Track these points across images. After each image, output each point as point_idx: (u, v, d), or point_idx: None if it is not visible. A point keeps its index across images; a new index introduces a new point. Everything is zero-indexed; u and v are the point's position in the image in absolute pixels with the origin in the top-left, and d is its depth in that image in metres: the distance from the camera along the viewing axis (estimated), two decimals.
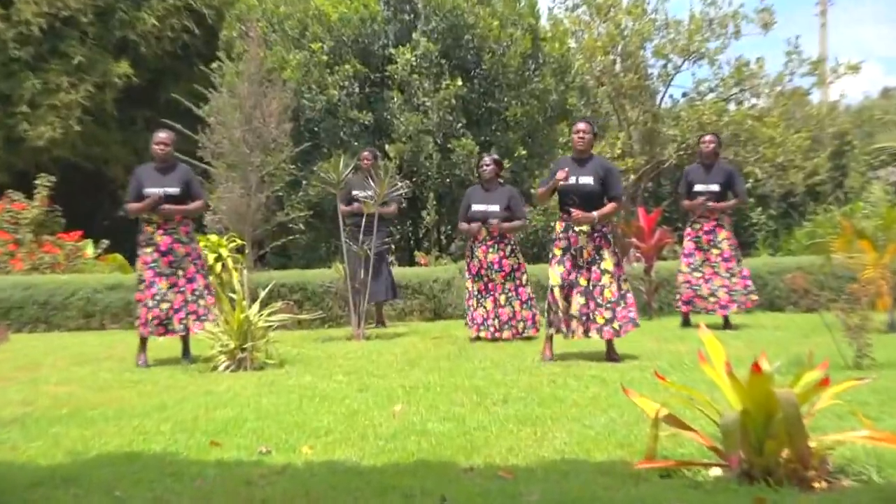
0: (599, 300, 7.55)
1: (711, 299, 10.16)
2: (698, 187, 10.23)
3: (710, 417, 4.13)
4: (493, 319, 9.58)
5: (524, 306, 9.62)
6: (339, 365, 7.70)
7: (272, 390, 6.41)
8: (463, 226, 9.85)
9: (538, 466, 4.17)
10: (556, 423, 5.06)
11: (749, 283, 10.24)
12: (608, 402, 5.57)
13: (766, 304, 12.29)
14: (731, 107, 22.09)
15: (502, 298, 9.58)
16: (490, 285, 9.61)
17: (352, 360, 7.99)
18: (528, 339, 9.46)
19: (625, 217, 21.81)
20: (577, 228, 7.64)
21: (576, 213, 7.60)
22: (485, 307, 9.63)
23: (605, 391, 6.01)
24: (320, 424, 5.15)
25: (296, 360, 8.05)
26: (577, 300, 7.61)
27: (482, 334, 9.56)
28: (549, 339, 7.79)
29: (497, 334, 9.53)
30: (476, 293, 9.69)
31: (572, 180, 7.68)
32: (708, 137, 10.42)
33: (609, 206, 7.71)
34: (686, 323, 10.39)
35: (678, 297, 10.46)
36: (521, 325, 9.57)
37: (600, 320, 7.54)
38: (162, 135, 8.39)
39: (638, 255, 12.56)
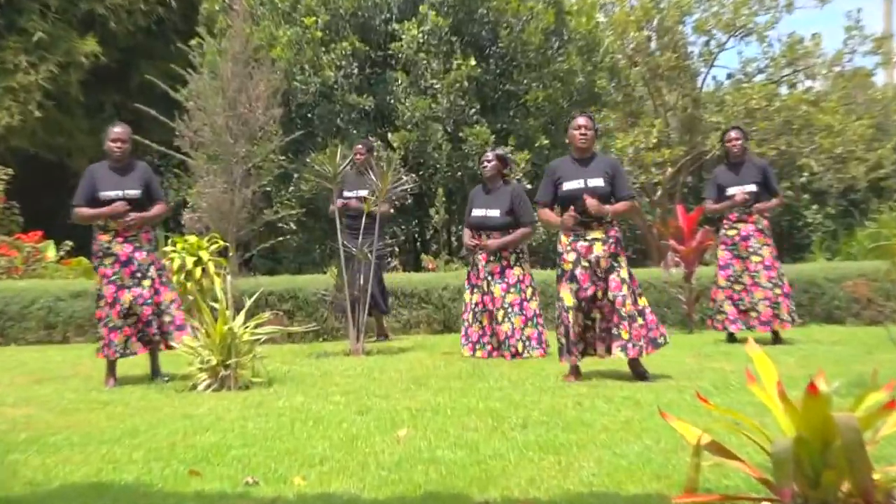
0: (623, 312, 7.53)
1: (752, 314, 10.14)
2: (732, 191, 10.23)
3: (760, 445, 4.11)
4: (490, 337, 9.52)
5: (528, 323, 9.43)
6: (336, 384, 7.70)
7: (259, 413, 6.42)
8: (465, 234, 9.92)
9: (562, 500, 4.17)
10: (583, 450, 5.05)
11: (790, 302, 10.20)
12: (642, 427, 5.57)
13: (823, 316, 12.27)
14: (783, 90, 22.06)
15: (500, 314, 9.43)
16: (487, 298, 9.54)
17: (350, 379, 8.00)
18: (526, 359, 9.37)
19: (661, 216, 21.81)
20: (589, 236, 7.64)
21: (591, 201, 7.56)
22: (481, 323, 9.59)
23: (638, 415, 6.00)
24: (314, 451, 5.15)
25: (286, 379, 8.06)
26: (598, 315, 7.65)
27: (478, 354, 9.52)
28: (574, 368, 7.74)
29: (494, 354, 9.46)
30: (473, 306, 9.66)
31: (579, 184, 7.68)
32: (733, 134, 10.41)
33: (623, 204, 7.75)
34: (732, 338, 10.37)
35: (719, 316, 10.40)
36: (520, 344, 9.35)
37: (625, 335, 7.51)
38: (118, 129, 8.33)
39: (676, 259, 12.51)
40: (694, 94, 22.56)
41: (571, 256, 7.64)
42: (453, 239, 18.52)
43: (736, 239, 10.26)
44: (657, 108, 22.76)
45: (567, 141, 8.03)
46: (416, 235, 19.00)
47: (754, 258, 10.17)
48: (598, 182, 7.67)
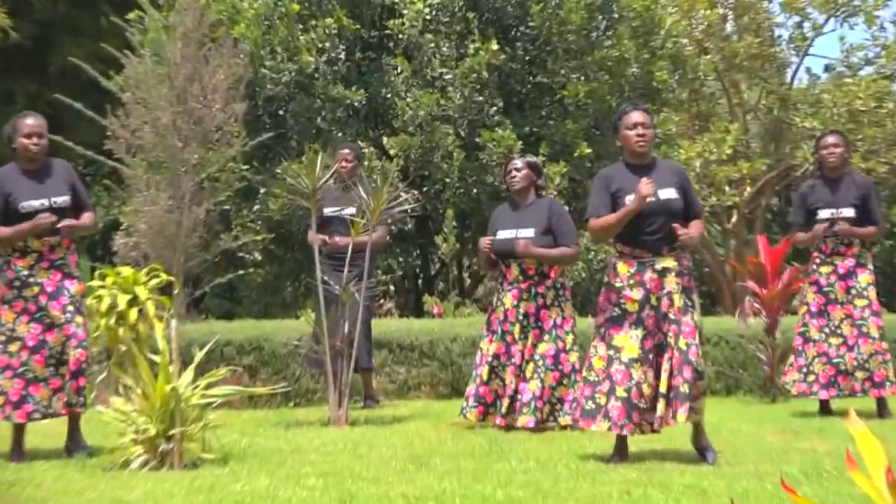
0: (696, 364, 7.42)
1: (860, 374, 10.05)
2: (824, 213, 10.15)
3: None
4: (512, 400, 9.46)
5: (564, 381, 9.41)
6: (311, 462, 7.71)
7: (211, 499, 6.43)
8: (481, 254, 9.91)
9: None
10: None
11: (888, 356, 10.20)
12: None
13: None
14: None
15: (529, 369, 9.42)
16: (515, 349, 9.51)
17: (330, 456, 8.00)
18: (552, 429, 9.38)
19: (736, 249, 21.84)
20: (659, 265, 7.57)
21: (683, 233, 7.38)
22: (502, 379, 9.54)
23: None
24: None
25: (246, 455, 8.07)
26: (666, 369, 7.41)
27: (490, 420, 9.51)
28: (622, 441, 7.67)
29: (511, 420, 9.42)
30: (491, 358, 9.58)
31: (651, 195, 7.58)
32: (830, 140, 10.34)
33: (699, 223, 7.70)
34: (826, 409, 10.36)
35: (803, 374, 10.34)
36: (546, 408, 9.35)
37: (693, 393, 7.45)
38: (32, 121, 8.30)
39: (756, 305, 12.48)
40: (781, 92, 22.67)
41: (638, 294, 7.48)
42: (465, 275, 18.55)
43: (832, 278, 10.20)
44: (733, 108, 22.88)
45: (619, 145, 7.94)
46: (418, 270, 19.07)
47: (858, 302, 10.09)
48: (670, 194, 7.53)
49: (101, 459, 7.87)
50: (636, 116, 7.64)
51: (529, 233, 9.50)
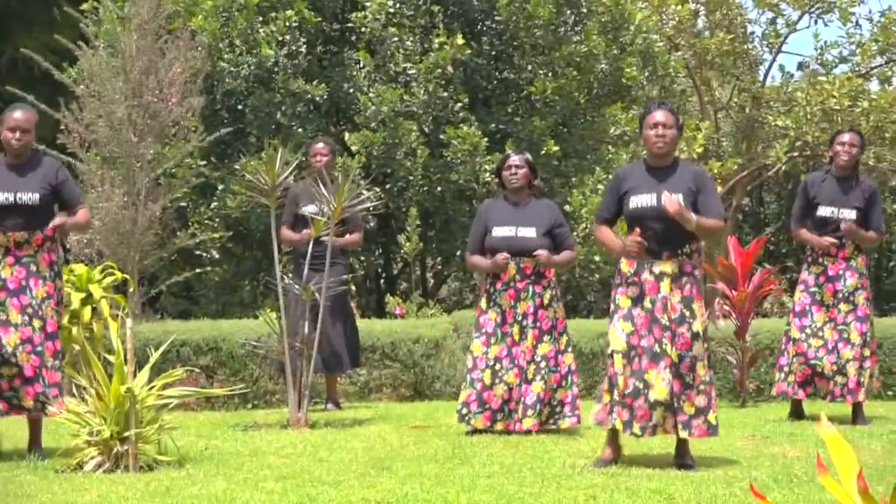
0: (689, 378, 7.48)
1: (839, 379, 10.08)
2: (825, 211, 10.17)
3: None
4: (517, 403, 9.42)
5: (563, 382, 9.49)
6: (270, 465, 7.74)
7: (167, 502, 6.44)
8: (476, 259, 9.77)
9: None
10: None
11: (876, 368, 10.25)
12: None
13: None
14: (873, 86, 22.25)
15: (531, 370, 9.42)
16: (516, 350, 9.51)
17: (289, 459, 8.03)
18: (557, 432, 9.46)
19: (705, 251, 21.92)
20: (657, 269, 7.56)
21: (670, 201, 7.38)
22: (506, 383, 9.48)
23: None
24: None
25: (203, 458, 8.09)
26: (664, 378, 7.44)
27: (498, 426, 9.45)
28: (613, 436, 7.74)
29: (518, 425, 9.41)
30: (493, 362, 9.49)
31: (651, 199, 7.56)
32: (847, 137, 10.32)
33: (713, 221, 7.65)
34: (797, 413, 10.42)
35: (783, 374, 10.43)
36: (546, 411, 9.44)
37: (689, 409, 7.47)
38: (18, 115, 8.29)
39: (726, 308, 12.52)
40: (754, 90, 22.74)
41: (633, 291, 7.59)
42: (429, 276, 18.57)
43: (820, 280, 10.22)
44: (704, 106, 22.93)
45: (641, 143, 7.97)
46: (380, 270, 19.08)
47: (843, 307, 10.12)
48: (678, 198, 7.50)
49: (54, 462, 7.86)
50: (658, 116, 7.66)
51: (530, 232, 9.48)
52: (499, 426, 9.42)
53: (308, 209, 10.77)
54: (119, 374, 7.69)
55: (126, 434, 7.63)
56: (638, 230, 7.54)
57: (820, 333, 10.16)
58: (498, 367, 9.47)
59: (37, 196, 8.20)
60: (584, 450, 8.34)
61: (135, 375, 7.85)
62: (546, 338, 9.46)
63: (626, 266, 7.66)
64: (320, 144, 11.41)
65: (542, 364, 9.41)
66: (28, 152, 8.34)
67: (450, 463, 7.82)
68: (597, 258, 16.10)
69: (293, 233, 10.66)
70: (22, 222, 8.13)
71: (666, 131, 7.62)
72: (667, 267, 7.53)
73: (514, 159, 9.80)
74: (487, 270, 9.57)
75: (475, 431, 9.43)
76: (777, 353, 10.86)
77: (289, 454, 8.28)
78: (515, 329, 9.47)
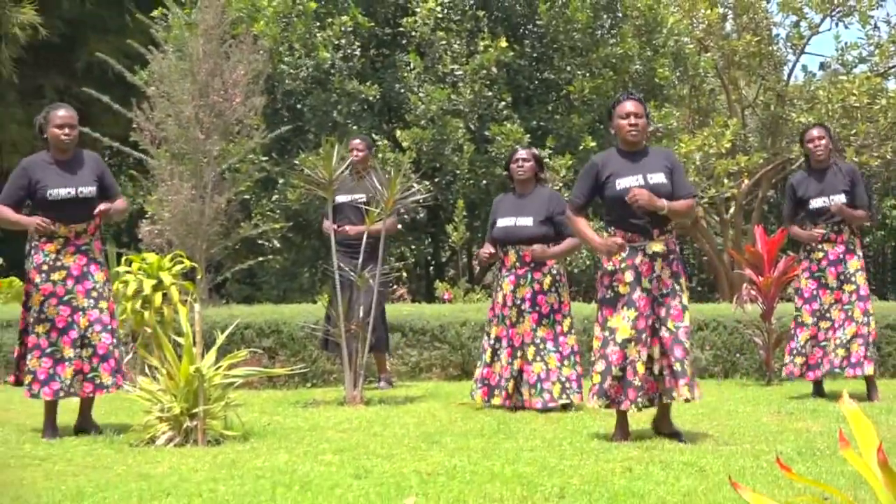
0: (687, 345, 7.48)
1: (840, 352, 10.03)
2: (817, 202, 10.15)
3: None
4: (507, 381, 9.49)
5: (565, 362, 9.47)
6: (328, 439, 7.75)
7: (233, 474, 6.45)
8: (484, 250, 9.94)
9: None
10: None
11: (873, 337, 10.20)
12: (707, 501, 5.59)
13: None
14: (891, 84, 22.09)
15: (530, 352, 9.45)
16: (513, 332, 9.56)
17: (346, 434, 8.04)
18: (565, 407, 9.44)
19: (735, 238, 21.83)
20: (650, 249, 7.55)
21: (639, 193, 7.35)
22: (501, 361, 9.58)
23: (703, 485, 6.02)
24: None
25: (266, 433, 8.10)
26: (659, 352, 7.53)
27: (494, 401, 9.55)
28: (623, 418, 7.73)
29: (517, 401, 9.48)
30: (493, 342, 9.68)
31: (637, 181, 7.55)
32: (815, 133, 10.33)
33: (684, 202, 7.61)
34: (820, 391, 10.37)
35: (792, 357, 10.38)
36: (556, 388, 9.38)
37: (689, 372, 7.43)
38: (63, 112, 8.30)
39: (753, 293, 12.44)
40: (779, 89, 22.60)
41: (629, 276, 7.49)
42: (475, 263, 18.54)
43: (823, 264, 10.20)
44: (732, 104, 22.81)
45: (612, 132, 7.96)
46: (430, 258, 19.06)
47: (847, 287, 10.08)
48: (659, 178, 7.54)
49: (129, 436, 7.88)
50: (629, 106, 7.66)
51: (528, 221, 9.54)
52: (496, 401, 9.54)
53: (340, 198, 10.82)
54: (188, 355, 7.73)
55: (195, 411, 7.66)
56: (620, 233, 7.56)
57: (828, 315, 10.17)
58: (497, 346, 9.64)
59: (94, 188, 8.27)
60: None
61: (203, 356, 7.87)
62: (545, 321, 9.50)
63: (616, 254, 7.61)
64: (357, 140, 11.49)
65: (542, 346, 9.45)
66: (73, 148, 8.39)
67: (495, 437, 7.81)
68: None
69: (329, 223, 10.66)
70: (80, 213, 8.21)
71: (638, 120, 7.63)
72: (658, 247, 7.51)
73: (521, 153, 9.89)
74: (483, 262, 9.68)
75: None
76: (787, 339, 10.80)
77: (345, 429, 8.29)
78: (514, 312, 9.54)
